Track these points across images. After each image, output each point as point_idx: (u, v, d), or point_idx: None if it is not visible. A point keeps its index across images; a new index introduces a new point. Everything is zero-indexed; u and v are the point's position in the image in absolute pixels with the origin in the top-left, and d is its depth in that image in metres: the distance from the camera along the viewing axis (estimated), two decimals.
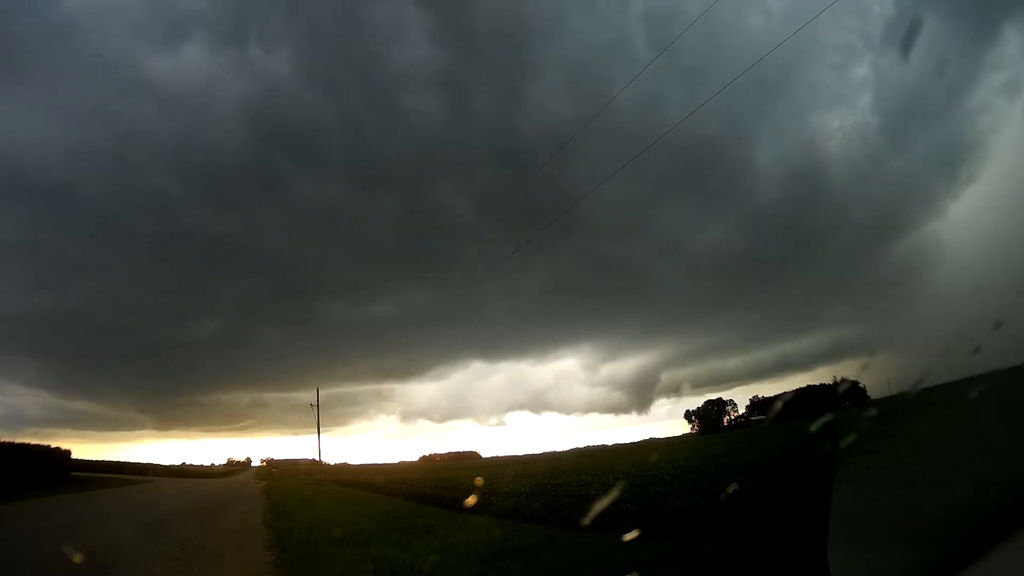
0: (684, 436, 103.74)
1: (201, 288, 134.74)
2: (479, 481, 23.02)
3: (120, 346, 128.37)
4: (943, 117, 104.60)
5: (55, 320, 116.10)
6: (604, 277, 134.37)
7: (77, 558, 8.04)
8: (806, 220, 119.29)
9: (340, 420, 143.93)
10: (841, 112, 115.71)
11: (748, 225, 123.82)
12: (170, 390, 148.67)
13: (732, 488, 10.58)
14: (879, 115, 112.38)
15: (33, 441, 34.45)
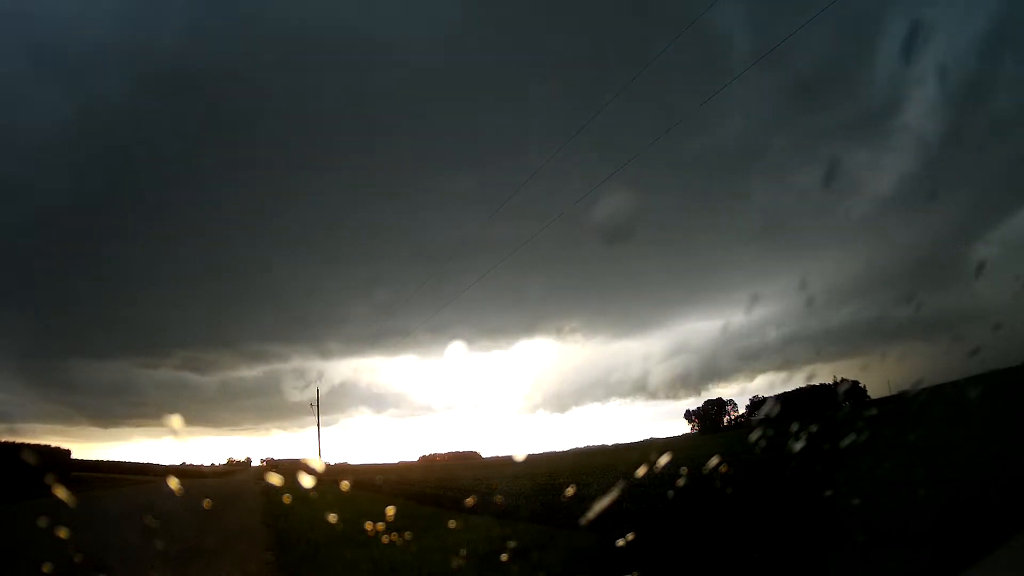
0: (684, 436, 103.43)
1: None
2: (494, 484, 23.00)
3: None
4: None
5: None
6: None
7: (77, 558, 8.03)
8: None
9: (342, 409, 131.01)
10: None
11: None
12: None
13: (731, 489, 10.58)
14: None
15: (31, 441, 34.52)
